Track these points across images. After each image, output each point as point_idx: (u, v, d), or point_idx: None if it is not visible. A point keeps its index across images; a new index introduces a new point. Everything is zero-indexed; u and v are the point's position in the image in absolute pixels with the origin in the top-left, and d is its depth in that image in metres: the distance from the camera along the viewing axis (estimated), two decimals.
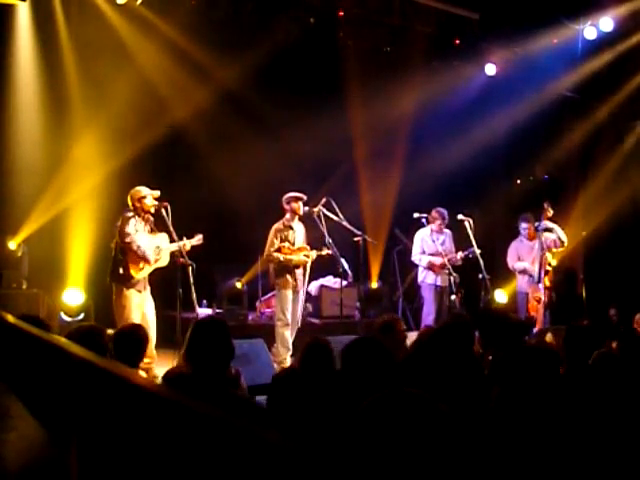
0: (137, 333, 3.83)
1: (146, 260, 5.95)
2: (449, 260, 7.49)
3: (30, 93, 7.76)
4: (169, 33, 8.00)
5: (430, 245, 7.69)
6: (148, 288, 6.10)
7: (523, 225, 7.97)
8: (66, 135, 7.80)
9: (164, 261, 6.11)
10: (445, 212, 7.75)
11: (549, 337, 5.03)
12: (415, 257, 7.84)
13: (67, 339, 2.98)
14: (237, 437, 1.00)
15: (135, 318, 5.88)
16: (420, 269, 7.85)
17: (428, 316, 7.64)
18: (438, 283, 7.66)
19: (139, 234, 5.96)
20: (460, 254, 7.64)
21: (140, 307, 5.96)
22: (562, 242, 7.75)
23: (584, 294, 9.63)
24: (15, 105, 7.67)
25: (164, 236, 6.10)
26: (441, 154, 9.36)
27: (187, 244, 6.19)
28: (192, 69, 8.33)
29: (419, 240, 7.80)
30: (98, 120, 7.71)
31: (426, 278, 7.74)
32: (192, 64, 8.28)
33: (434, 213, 7.71)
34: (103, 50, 7.55)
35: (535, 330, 7.12)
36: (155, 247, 6.03)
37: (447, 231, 7.84)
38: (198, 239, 6.32)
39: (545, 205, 7.66)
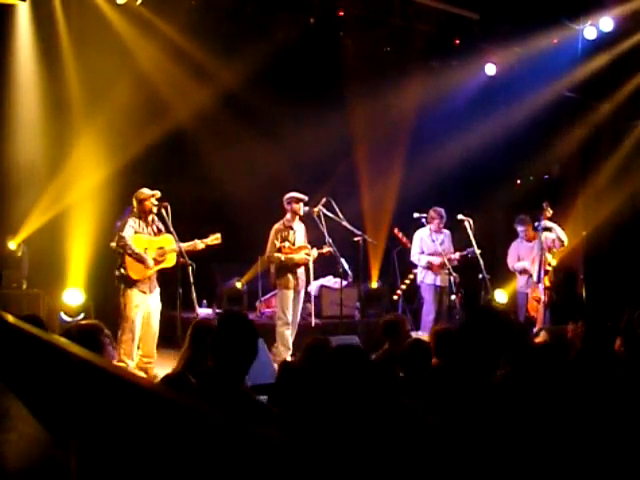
0: None
1: (143, 262, 5.93)
2: (448, 260, 7.50)
3: (30, 93, 7.76)
4: (169, 33, 8.00)
5: (429, 245, 7.71)
6: (157, 290, 6.09)
7: (520, 228, 7.98)
8: (66, 135, 7.80)
9: (170, 262, 6.08)
10: (443, 211, 7.76)
11: (542, 336, 5.01)
12: (414, 257, 7.87)
13: (65, 337, 2.98)
14: (237, 436, 1.00)
15: (135, 317, 5.87)
16: (419, 269, 7.87)
17: (428, 316, 7.66)
18: (437, 283, 7.68)
19: (140, 235, 5.96)
20: (457, 254, 7.65)
21: (143, 307, 5.95)
22: (562, 242, 7.74)
23: (584, 294, 9.62)
24: (15, 105, 7.67)
25: (170, 237, 6.07)
26: (441, 154, 9.36)
27: (199, 244, 6.16)
28: (192, 69, 8.33)
29: (418, 240, 7.83)
30: (98, 120, 7.70)
31: (425, 278, 7.76)
32: (192, 64, 8.28)
33: (432, 212, 7.74)
34: (103, 50, 7.54)
35: (535, 330, 7.11)
36: (158, 248, 6.02)
37: (446, 231, 7.86)
38: (215, 238, 6.28)
39: (544, 205, 7.65)
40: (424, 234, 7.79)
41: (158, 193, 6.04)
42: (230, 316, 3.01)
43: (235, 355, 2.68)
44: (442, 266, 7.58)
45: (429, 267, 7.70)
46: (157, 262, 6.03)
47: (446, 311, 7.72)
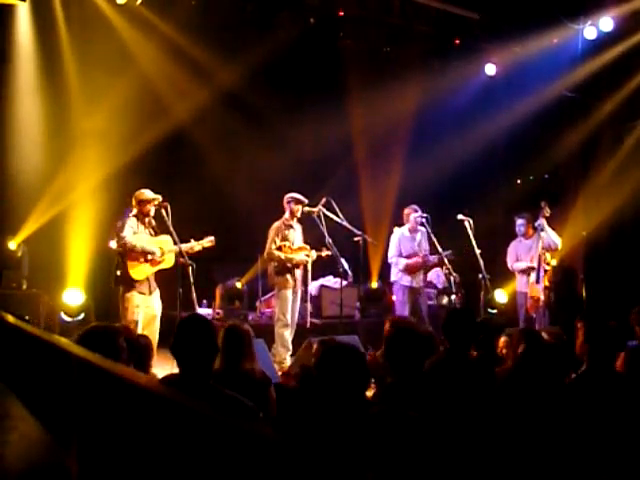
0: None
1: (149, 254, 5.90)
2: (424, 261, 7.43)
3: (30, 93, 7.76)
4: (169, 33, 8.00)
5: (407, 246, 7.59)
6: (157, 291, 6.06)
7: (519, 222, 7.90)
8: (66, 135, 7.80)
9: (169, 263, 6.07)
10: (413, 208, 7.61)
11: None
12: (392, 259, 7.65)
13: (79, 340, 2.98)
14: (237, 436, 1.00)
15: (137, 319, 5.85)
16: (395, 269, 7.67)
17: None
18: (413, 285, 7.52)
19: (139, 235, 5.95)
20: (435, 257, 7.50)
21: (144, 308, 5.92)
22: (555, 245, 7.69)
23: (584, 294, 9.62)
24: (15, 105, 7.67)
25: (167, 238, 6.06)
26: (441, 154, 9.35)
27: (195, 246, 6.16)
28: (192, 69, 8.33)
29: (396, 241, 7.62)
30: (98, 120, 7.71)
31: (401, 279, 7.56)
32: (192, 64, 8.28)
33: (405, 211, 7.61)
34: (103, 50, 7.54)
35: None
36: (158, 249, 6.02)
37: (422, 229, 7.64)
38: (209, 240, 6.26)
39: (542, 204, 7.63)
40: (402, 235, 7.61)
41: (160, 198, 6.02)
42: (188, 319, 3.11)
43: (197, 354, 2.81)
44: (420, 267, 7.51)
45: (406, 269, 7.55)
46: (156, 263, 6.03)
47: (426, 312, 7.61)
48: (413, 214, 7.54)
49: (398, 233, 7.66)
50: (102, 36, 7.62)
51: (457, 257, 7.58)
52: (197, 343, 2.81)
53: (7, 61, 7.62)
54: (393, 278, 7.71)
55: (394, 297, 8.05)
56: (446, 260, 7.42)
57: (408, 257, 7.55)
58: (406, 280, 7.54)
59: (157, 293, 6.07)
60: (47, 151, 7.76)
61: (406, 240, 7.59)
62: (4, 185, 7.55)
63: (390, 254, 7.70)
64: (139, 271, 5.92)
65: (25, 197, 7.64)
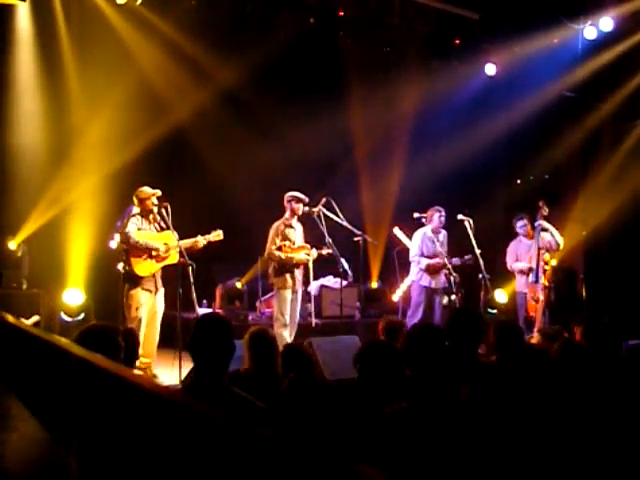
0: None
1: (153, 249, 5.90)
2: (445, 263, 7.43)
3: (30, 93, 7.76)
4: (169, 33, 8.01)
5: (430, 246, 7.60)
6: (161, 290, 6.07)
7: (519, 223, 7.90)
8: (66, 135, 7.80)
9: (174, 258, 6.05)
10: (439, 209, 7.64)
11: (536, 338, 5.00)
12: (414, 258, 7.65)
13: (79, 339, 2.98)
14: (236, 436, 1.00)
15: (142, 317, 5.85)
16: (415, 269, 7.69)
17: (412, 318, 7.42)
18: (432, 285, 7.54)
19: (143, 232, 5.96)
20: (457, 260, 7.50)
21: (148, 306, 5.92)
22: (557, 244, 7.68)
23: (584, 294, 9.62)
24: (15, 105, 7.67)
25: (172, 234, 6.06)
26: (441, 154, 9.36)
27: (201, 241, 6.15)
28: (192, 69, 8.33)
29: (419, 240, 7.62)
30: (98, 120, 7.70)
31: (421, 279, 7.59)
32: (192, 64, 8.28)
33: (430, 211, 7.60)
34: (103, 50, 7.55)
35: (535, 330, 7.11)
36: (162, 245, 6.02)
37: (443, 231, 7.74)
38: (217, 234, 6.27)
39: (540, 204, 7.62)
40: (425, 235, 7.62)
41: (159, 192, 6.04)
42: (207, 317, 3.16)
43: (213, 352, 2.81)
44: (441, 268, 7.50)
45: (427, 270, 7.58)
46: (161, 259, 6.02)
47: (440, 312, 7.61)
48: (437, 214, 7.57)
49: (421, 233, 7.65)
50: (102, 36, 7.62)
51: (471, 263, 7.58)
52: (215, 343, 2.81)
53: (7, 61, 7.61)
54: (412, 277, 7.73)
55: (394, 297, 8.01)
56: (448, 262, 7.42)
57: (429, 257, 7.57)
58: (426, 280, 7.57)
59: (162, 292, 6.07)
60: (47, 151, 7.76)
61: (429, 240, 7.60)
62: (4, 185, 7.55)
63: (412, 253, 7.71)
64: (144, 267, 5.92)
65: (25, 197, 7.64)
